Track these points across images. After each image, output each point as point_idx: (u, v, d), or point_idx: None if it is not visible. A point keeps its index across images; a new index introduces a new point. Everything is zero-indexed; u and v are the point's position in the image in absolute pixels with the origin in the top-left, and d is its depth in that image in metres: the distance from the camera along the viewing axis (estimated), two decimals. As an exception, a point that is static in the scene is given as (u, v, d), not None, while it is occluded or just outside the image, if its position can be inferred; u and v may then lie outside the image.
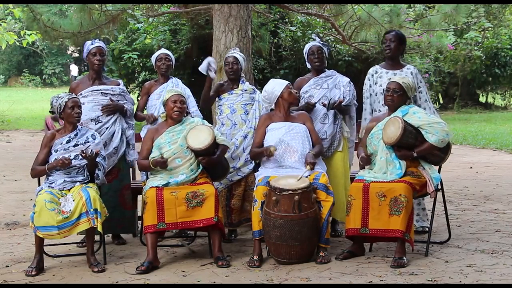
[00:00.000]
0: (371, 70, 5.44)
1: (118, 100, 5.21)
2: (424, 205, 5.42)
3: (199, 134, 4.69)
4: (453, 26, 13.99)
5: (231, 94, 5.29)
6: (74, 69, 34.57)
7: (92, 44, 5.17)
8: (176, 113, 4.74)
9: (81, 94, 5.10)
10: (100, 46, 5.18)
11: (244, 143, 5.16)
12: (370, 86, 5.38)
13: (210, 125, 4.88)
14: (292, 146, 4.80)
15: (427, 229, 5.18)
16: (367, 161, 4.77)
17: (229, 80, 5.35)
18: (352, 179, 4.88)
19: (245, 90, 5.32)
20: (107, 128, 5.13)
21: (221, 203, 5.18)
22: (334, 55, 13.36)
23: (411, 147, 4.60)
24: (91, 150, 4.53)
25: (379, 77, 5.31)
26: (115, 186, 5.22)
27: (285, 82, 4.95)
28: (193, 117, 4.98)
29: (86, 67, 33.82)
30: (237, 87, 5.32)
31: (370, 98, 5.38)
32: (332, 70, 5.45)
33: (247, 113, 5.26)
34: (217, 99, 5.36)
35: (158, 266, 4.51)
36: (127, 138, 5.28)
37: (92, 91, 5.15)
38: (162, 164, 4.61)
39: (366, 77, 5.45)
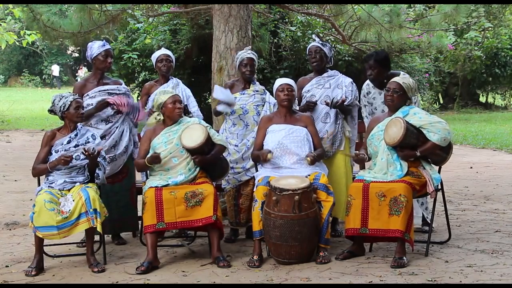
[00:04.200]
0: (364, 88, 5.40)
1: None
2: (427, 205, 5.38)
3: (192, 133, 4.70)
4: (453, 26, 13.98)
5: (243, 94, 5.28)
6: (55, 69, 34.64)
7: (104, 46, 5.16)
8: (179, 112, 4.77)
9: (87, 95, 5.10)
10: (110, 49, 5.20)
11: None
12: (367, 102, 5.38)
13: (206, 124, 4.87)
14: (291, 149, 4.80)
15: (425, 228, 5.20)
16: (361, 160, 4.76)
17: (243, 80, 5.33)
18: (353, 179, 4.88)
19: (257, 91, 5.30)
20: (117, 128, 5.14)
21: (229, 203, 5.20)
22: (334, 55, 13.33)
23: (413, 147, 4.60)
24: (93, 148, 4.53)
25: (373, 98, 5.32)
26: (126, 184, 5.24)
27: (281, 82, 4.94)
28: (191, 117, 4.97)
29: (86, 67, 33.84)
30: (249, 87, 5.31)
31: (368, 117, 5.36)
32: (334, 70, 5.45)
33: (259, 114, 5.25)
34: None
35: (158, 266, 4.51)
36: (133, 137, 5.30)
37: (99, 91, 5.15)
38: (155, 159, 4.61)
39: (361, 94, 5.42)
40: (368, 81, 5.40)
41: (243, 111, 5.23)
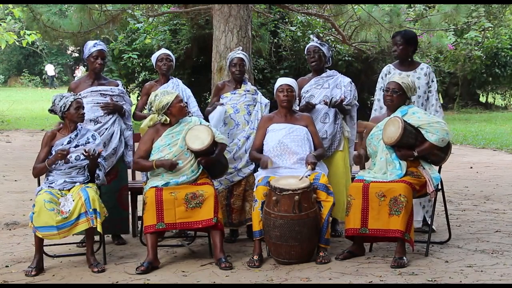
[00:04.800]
0: (384, 69, 5.42)
1: (117, 101, 5.21)
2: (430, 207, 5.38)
3: (198, 134, 4.68)
4: (453, 26, 13.98)
5: (234, 94, 5.28)
6: (49, 69, 34.63)
7: (95, 46, 5.15)
8: (186, 111, 4.79)
9: (79, 94, 5.08)
10: (102, 50, 5.17)
11: (247, 144, 5.15)
12: (383, 86, 5.34)
13: (207, 123, 4.87)
14: (291, 149, 4.80)
15: (425, 228, 5.20)
16: (359, 160, 4.77)
17: (234, 80, 5.34)
18: (353, 179, 4.88)
19: (248, 91, 5.31)
20: (106, 129, 5.12)
21: (221, 203, 5.18)
22: (334, 55, 13.37)
23: (411, 147, 4.60)
24: (94, 149, 4.53)
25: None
26: (114, 187, 5.21)
27: (281, 82, 4.95)
28: (190, 117, 4.96)
29: (84, 67, 33.83)
30: (240, 87, 5.31)
31: (381, 100, 5.32)
32: (333, 70, 5.45)
33: (250, 114, 5.25)
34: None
35: (158, 266, 4.50)
36: (125, 139, 5.28)
37: (91, 91, 5.14)
38: (171, 167, 4.58)
39: (380, 76, 5.42)
40: (389, 64, 5.44)
41: (234, 110, 5.23)
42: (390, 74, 5.31)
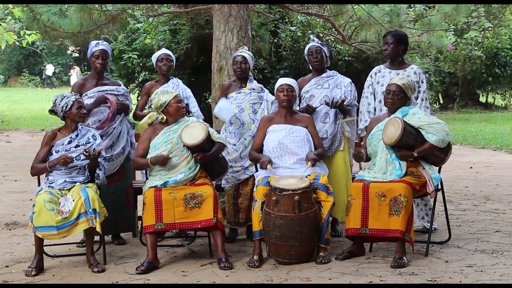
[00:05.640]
0: (374, 69, 5.41)
1: (122, 101, 5.23)
2: (431, 205, 5.39)
3: (193, 130, 4.71)
4: (453, 26, 13.97)
5: (239, 93, 5.29)
6: (49, 69, 34.62)
7: (96, 46, 5.16)
8: (184, 112, 4.80)
9: (86, 94, 5.10)
10: (104, 49, 5.17)
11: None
12: (372, 84, 5.35)
13: (204, 122, 4.88)
14: (291, 149, 4.80)
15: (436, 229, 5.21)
16: (359, 157, 4.77)
17: (237, 79, 5.35)
18: (353, 179, 4.88)
19: (253, 89, 5.31)
20: (114, 128, 5.15)
21: (229, 202, 5.20)
22: (334, 55, 13.37)
23: (411, 147, 4.60)
24: (94, 149, 4.54)
25: (382, 77, 5.28)
26: (122, 185, 5.24)
27: (282, 82, 4.94)
28: (189, 117, 4.97)
29: (86, 67, 33.83)
30: (245, 86, 5.32)
31: (369, 97, 5.33)
32: (333, 70, 5.46)
33: (255, 112, 5.25)
34: None
35: (158, 266, 4.51)
36: (130, 138, 5.30)
37: (98, 91, 5.15)
38: (164, 161, 4.60)
39: (369, 75, 5.42)
40: (380, 65, 5.45)
41: (239, 110, 5.23)
42: (380, 73, 5.32)
